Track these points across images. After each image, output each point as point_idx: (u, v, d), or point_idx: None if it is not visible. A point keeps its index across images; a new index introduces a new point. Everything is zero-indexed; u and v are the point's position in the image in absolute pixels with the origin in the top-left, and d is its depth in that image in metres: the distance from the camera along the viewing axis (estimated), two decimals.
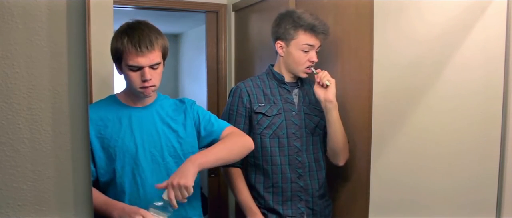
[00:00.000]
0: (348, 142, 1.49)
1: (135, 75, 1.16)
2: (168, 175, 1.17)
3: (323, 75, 1.40)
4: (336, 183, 1.58)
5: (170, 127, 1.25)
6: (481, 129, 1.19)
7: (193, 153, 1.25)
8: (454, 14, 1.22)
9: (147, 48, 1.13)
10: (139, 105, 1.24)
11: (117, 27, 1.37)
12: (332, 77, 1.39)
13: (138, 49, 1.12)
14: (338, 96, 1.39)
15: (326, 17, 1.54)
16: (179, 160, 1.22)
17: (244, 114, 1.45)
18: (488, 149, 1.17)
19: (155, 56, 1.15)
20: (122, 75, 1.20)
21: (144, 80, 1.15)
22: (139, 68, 1.15)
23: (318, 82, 1.40)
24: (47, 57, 0.82)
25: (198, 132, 1.29)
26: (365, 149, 1.39)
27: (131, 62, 1.14)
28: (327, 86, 1.38)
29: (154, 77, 1.17)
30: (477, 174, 1.20)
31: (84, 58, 0.85)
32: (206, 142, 1.30)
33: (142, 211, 1.09)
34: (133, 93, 1.22)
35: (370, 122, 1.37)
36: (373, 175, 1.38)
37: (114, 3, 1.40)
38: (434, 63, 1.26)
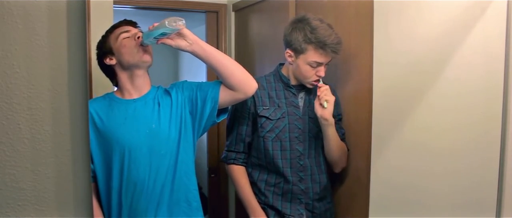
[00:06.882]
0: (348, 150, 1.48)
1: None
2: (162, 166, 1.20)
3: (323, 94, 1.35)
4: (336, 184, 1.58)
5: (160, 112, 1.25)
6: (481, 129, 1.19)
7: (184, 138, 1.25)
8: (454, 14, 1.22)
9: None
10: (135, 96, 1.25)
11: None
12: (331, 78, 1.38)
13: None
14: (339, 97, 1.39)
15: (326, 17, 1.53)
16: (167, 149, 1.22)
17: (247, 116, 1.44)
18: (488, 149, 1.17)
19: None
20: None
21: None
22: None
23: (319, 96, 1.36)
24: (47, 57, 0.82)
25: (196, 105, 1.27)
26: (365, 149, 1.39)
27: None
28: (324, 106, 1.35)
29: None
30: (477, 173, 1.20)
31: (84, 58, 0.85)
32: (209, 108, 1.26)
33: None
34: (130, 87, 1.23)
35: (370, 122, 1.37)
36: (373, 175, 1.37)
37: (114, 3, 1.40)
38: (434, 63, 1.26)
